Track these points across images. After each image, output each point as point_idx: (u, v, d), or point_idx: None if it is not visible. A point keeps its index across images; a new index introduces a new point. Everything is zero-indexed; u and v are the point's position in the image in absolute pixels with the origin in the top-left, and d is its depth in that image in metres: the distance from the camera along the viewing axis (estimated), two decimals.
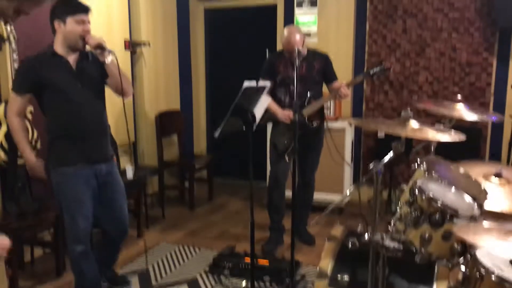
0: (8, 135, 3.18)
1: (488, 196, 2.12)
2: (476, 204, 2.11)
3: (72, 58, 2.81)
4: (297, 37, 3.65)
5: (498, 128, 4.75)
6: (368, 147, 5.33)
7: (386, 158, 2.19)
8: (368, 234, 2.16)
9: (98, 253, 3.18)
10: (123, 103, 2.86)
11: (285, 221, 4.05)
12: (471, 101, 4.75)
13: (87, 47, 2.79)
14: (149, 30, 5.12)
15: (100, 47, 2.72)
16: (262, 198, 4.87)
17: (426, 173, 2.26)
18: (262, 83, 2.68)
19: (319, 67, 3.85)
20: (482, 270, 1.81)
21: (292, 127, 3.19)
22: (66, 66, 2.79)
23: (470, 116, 2.60)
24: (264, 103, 2.72)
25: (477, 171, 2.38)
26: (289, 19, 5.36)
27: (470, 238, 1.66)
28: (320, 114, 3.92)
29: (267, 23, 5.62)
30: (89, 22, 2.78)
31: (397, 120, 2.28)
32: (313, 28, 5.27)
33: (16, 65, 3.29)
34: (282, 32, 3.82)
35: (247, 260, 3.55)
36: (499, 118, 2.77)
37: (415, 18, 4.97)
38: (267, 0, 5.62)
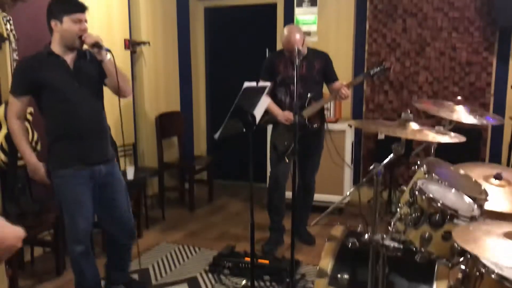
0: (8, 137, 3.17)
1: (488, 197, 2.13)
2: (476, 205, 2.11)
3: (69, 58, 2.79)
4: (297, 36, 3.64)
5: (498, 130, 4.75)
6: (368, 149, 5.33)
7: (386, 160, 2.19)
8: (368, 234, 2.16)
9: (108, 258, 3.17)
10: (119, 103, 2.82)
11: (285, 222, 4.05)
12: (471, 102, 4.75)
13: (84, 46, 2.77)
14: (149, 30, 5.12)
15: (97, 45, 2.71)
16: (262, 199, 4.87)
17: (426, 174, 2.27)
18: (262, 83, 2.68)
19: (319, 66, 3.85)
20: (482, 269, 1.82)
21: (292, 128, 3.18)
22: (63, 66, 2.76)
23: (469, 120, 2.60)
24: (264, 104, 2.72)
25: (477, 172, 2.39)
26: (289, 18, 5.36)
27: (471, 246, 1.67)
28: (320, 115, 3.92)
29: (267, 22, 5.63)
30: (86, 21, 2.75)
31: (397, 122, 2.28)
32: (313, 27, 5.27)
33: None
34: (282, 31, 3.82)
35: (247, 259, 3.56)
36: (499, 121, 2.77)
37: (415, 17, 4.97)
38: None
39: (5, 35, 3.42)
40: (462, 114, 2.63)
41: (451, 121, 2.64)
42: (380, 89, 5.21)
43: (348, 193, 3.74)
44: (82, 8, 2.74)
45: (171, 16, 5.54)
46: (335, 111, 4.99)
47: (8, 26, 3.41)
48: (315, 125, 3.87)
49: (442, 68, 4.94)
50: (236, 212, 5.18)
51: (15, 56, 3.38)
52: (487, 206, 2.14)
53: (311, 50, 3.87)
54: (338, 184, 4.86)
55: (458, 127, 2.55)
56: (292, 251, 3.20)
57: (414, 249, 2.10)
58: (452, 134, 2.29)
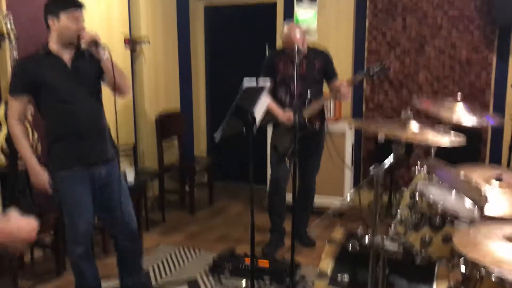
0: (9, 138, 3.17)
1: (488, 200, 2.12)
2: (476, 207, 2.11)
3: (67, 56, 2.76)
4: (298, 34, 3.63)
5: (498, 131, 4.73)
6: (368, 150, 5.32)
7: (387, 162, 2.18)
8: (368, 236, 2.15)
9: (117, 261, 3.14)
10: (115, 102, 2.76)
11: (286, 224, 4.04)
12: (471, 101, 4.73)
13: (82, 44, 2.72)
14: (149, 28, 5.10)
15: (95, 43, 2.68)
16: (262, 201, 4.87)
17: (427, 176, 2.26)
18: (262, 82, 2.66)
19: (319, 65, 3.84)
20: (482, 270, 1.81)
21: (293, 129, 3.17)
22: (61, 65, 2.74)
23: (469, 120, 2.59)
24: (264, 103, 2.71)
25: (477, 174, 2.38)
26: (289, 16, 5.34)
27: (471, 253, 1.67)
28: (320, 115, 3.91)
29: (267, 20, 5.61)
30: (83, 19, 2.73)
31: (397, 122, 2.27)
32: (313, 25, 5.26)
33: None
34: (282, 29, 3.80)
35: (247, 261, 3.55)
36: (498, 122, 2.76)
37: (415, 15, 4.95)
38: None
39: (5, 33, 3.42)
40: (462, 115, 2.62)
41: (451, 122, 2.63)
42: (380, 88, 5.20)
43: (348, 196, 3.73)
44: (79, 5, 2.71)
45: (171, 15, 5.53)
46: (335, 110, 4.98)
47: (8, 24, 3.40)
48: (316, 126, 3.87)
49: (442, 66, 4.93)
50: (236, 214, 5.17)
51: (15, 54, 3.37)
52: (487, 209, 2.13)
53: (311, 49, 3.86)
54: (338, 186, 4.85)
55: (458, 127, 2.54)
56: (292, 253, 3.19)
57: (414, 251, 2.10)
58: (452, 134, 2.28)
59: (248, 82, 2.51)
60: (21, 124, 2.78)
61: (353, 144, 4.96)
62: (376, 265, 2.18)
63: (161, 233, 4.59)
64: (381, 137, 4.79)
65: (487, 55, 4.76)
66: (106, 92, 2.96)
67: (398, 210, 2.23)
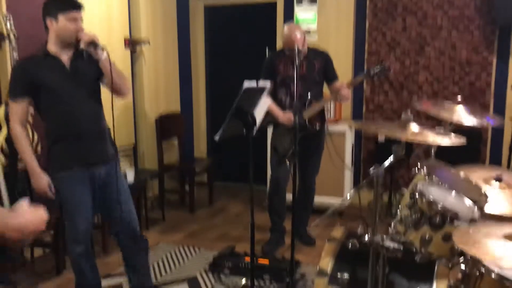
0: (9, 138, 3.17)
1: (488, 199, 2.13)
2: (476, 207, 2.11)
3: (65, 57, 2.75)
4: (298, 35, 3.63)
5: (498, 131, 4.74)
6: (368, 151, 5.33)
7: (387, 162, 2.19)
8: (368, 235, 2.16)
9: (123, 262, 3.12)
10: (112, 103, 2.76)
11: (286, 223, 4.05)
12: (471, 102, 4.74)
13: (81, 45, 2.71)
14: (149, 28, 5.11)
15: (93, 44, 2.67)
16: (262, 201, 4.87)
17: (427, 177, 2.27)
18: (262, 83, 2.66)
19: (319, 66, 3.84)
20: (482, 268, 1.82)
21: (293, 130, 3.18)
22: (59, 66, 2.73)
23: (469, 120, 2.60)
24: (264, 104, 2.71)
25: (477, 175, 2.38)
26: (289, 16, 5.35)
27: (471, 250, 1.67)
28: (320, 116, 3.91)
29: (267, 20, 5.62)
30: (81, 20, 2.72)
31: (397, 123, 2.28)
32: (313, 26, 5.26)
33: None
34: (282, 29, 3.81)
35: (247, 259, 3.56)
36: (498, 122, 2.77)
37: (415, 15, 4.96)
38: None
39: (5, 34, 3.42)
40: (462, 115, 2.63)
41: (451, 123, 2.64)
42: (380, 89, 5.20)
43: (348, 196, 3.74)
44: (78, 6, 2.70)
45: (171, 15, 5.53)
46: (335, 111, 4.98)
47: (8, 25, 3.40)
48: (316, 126, 3.87)
49: (442, 67, 4.94)
50: (236, 214, 5.18)
51: (15, 55, 3.37)
52: (488, 208, 2.14)
53: (311, 50, 3.86)
54: (338, 186, 4.85)
55: (458, 128, 2.55)
56: (292, 251, 3.20)
57: (414, 249, 2.10)
58: (452, 135, 2.29)
59: (248, 84, 2.51)
60: (23, 128, 2.76)
61: (353, 145, 4.97)
62: (376, 263, 2.19)
63: (161, 232, 4.59)
64: (381, 137, 4.80)
65: (487, 56, 4.77)
66: (105, 92, 2.95)
67: (398, 210, 2.24)
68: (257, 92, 2.64)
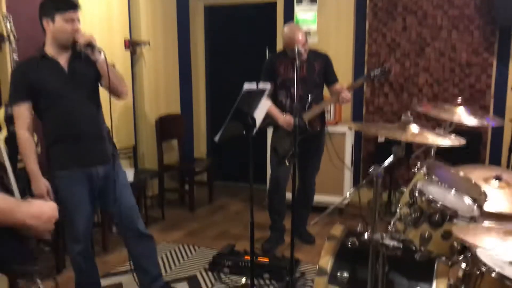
0: (8, 139, 3.16)
1: (487, 198, 2.13)
2: (475, 205, 2.12)
3: (63, 59, 2.74)
4: (299, 35, 3.63)
5: (498, 132, 4.75)
6: (368, 151, 5.33)
7: (386, 162, 2.20)
8: (367, 233, 2.16)
9: (135, 265, 3.09)
10: (110, 105, 2.75)
11: (286, 221, 4.06)
12: (471, 104, 4.74)
13: (78, 46, 2.70)
14: (149, 30, 5.11)
15: (90, 45, 2.66)
16: (262, 200, 4.88)
17: (426, 176, 2.27)
18: (262, 85, 2.66)
19: (319, 68, 3.84)
20: (482, 267, 1.82)
21: (293, 132, 3.18)
22: (57, 68, 2.72)
23: (469, 120, 2.61)
24: (264, 106, 2.71)
25: (477, 174, 2.39)
26: (289, 16, 5.36)
27: (470, 239, 1.68)
28: (321, 118, 3.92)
29: (267, 20, 5.63)
30: (78, 21, 2.70)
31: (397, 124, 2.29)
32: (313, 26, 5.27)
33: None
34: (282, 29, 3.81)
35: (247, 258, 3.57)
36: (498, 123, 2.78)
37: (415, 15, 4.97)
38: None
39: (5, 35, 3.42)
40: (462, 117, 2.63)
41: (451, 123, 2.64)
42: (380, 91, 5.20)
43: (348, 194, 3.74)
44: (74, 6, 2.68)
45: (171, 15, 5.53)
46: (335, 113, 4.97)
47: (8, 26, 3.40)
48: (316, 128, 3.87)
49: (442, 69, 4.94)
50: (236, 212, 5.18)
51: (15, 56, 3.36)
52: (487, 208, 2.14)
53: (311, 51, 3.85)
54: (338, 186, 4.86)
55: (458, 130, 2.56)
56: (292, 250, 3.20)
57: (414, 248, 2.11)
58: (452, 136, 2.30)
59: (248, 86, 2.52)
60: (30, 133, 2.74)
61: (353, 145, 4.98)
62: (375, 262, 2.19)
63: (160, 231, 4.60)
64: (381, 138, 4.81)
65: (487, 57, 4.77)
66: (104, 93, 2.93)
67: (398, 208, 2.24)
68: (257, 94, 2.64)
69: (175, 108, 5.67)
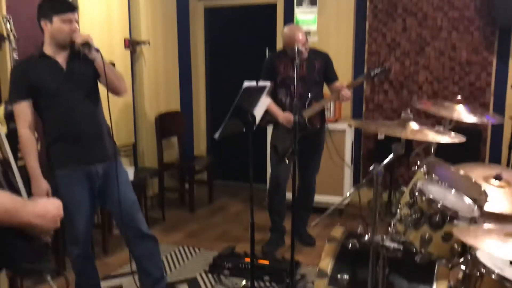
0: (8, 137, 3.15)
1: (488, 198, 2.12)
2: (476, 205, 2.11)
3: (62, 58, 2.75)
4: (299, 34, 3.64)
5: (498, 130, 4.75)
6: (368, 149, 5.33)
7: (386, 160, 2.19)
8: (368, 235, 2.16)
9: (137, 267, 3.07)
10: (108, 103, 2.71)
11: (286, 223, 4.05)
12: (471, 102, 4.74)
13: (75, 46, 2.70)
14: (149, 29, 5.11)
15: (87, 45, 2.66)
16: (262, 200, 4.87)
17: (426, 175, 2.27)
18: (262, 83, 2.66)
19: (319, 66, 3.84)
20: (482, 269, 1.82)
21: (293, 129, 3.18)
22: (56, 67, 2.73)
23: (469, 118, 2.60)
24: (264, 104, 2.71)
25: (477, 173, 2.38)
26: (289, 17, 5.35)
27: (471, 241, 1.67)
28: (320, 116, 3.92)
29: (267, 21, 5.62)
30: (76, 21, 2.71)
31: (397, 122, 2.28)
32: (313, 27, 5.26)
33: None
34: (282, 31, 3.81)
35: (247, 260, 3.56)
36: (498, 121, 2.77)
37: (415, 16, 4.96)
38: None
39: (5, 34, 3.41)
40: (462, 114, 2.62)
41: (451, 121, 2.64)
42: (380, 89, 5.20)
43: (348, 195, 3.73)
44: (72, 8, 2.70)
45: (171, 16, 5.53)
46: (335, 111, 4.98)
47: (8, 25, 3.40)
48: (316, 126, 3.87)
49: (442, 67, 4.94)
50: (236, 213, 5.18)
51: (15, 55, 3.37)
52: (487, 207, 2.14)
53: (311, 50, 3.86)
54: (338, 184, 4.85)
55: (458, 127, 2.55)
56: (292, 252, 3.20)
57: (414, 250, 2.10)
58: (452, 133, 2.29)
59: (248, 84, 2.51)
60: (31, 132, 2.74)
61: (353, 143, 4.97)
62: (376, 264, 2.18)
63: (161, 232, 4.58)
64: (381, 135, 4.80)
65: (487, 56, 4.77)
66: (103, 91, 2.90)
67: (398, 209, 2.23)
68: (257, 92, 2.64)
69: (175, 108, 5.67)
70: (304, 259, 3.78)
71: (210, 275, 3.64)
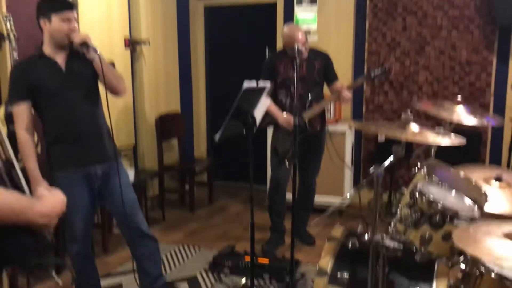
0: (8, 138, 3.15)
1: (488, 198, 2.13)
2: (476, 206, 2.11)
3: (61, 58, 2.74)
4: (299, 34, 3.63)
5: (498, 131, 4.75)
6: (368, 151, 5.33)
7: (387, 162, 2.19)
8: (368, 234, 2.16)
9: (137, 266, 3.06)
10: (107, 103, 2.71)
11: (286, 222, 4.05)
12: (471, 102, 4.74)
13: (73, 45, 2.69)
14: (149, 28, 5.11)
15: (85, 44, 2.65)
16: (262, 201, 4.88)
17: (427, 176, 2.27)
18: (262, 83, 2.66)
19: (319, 66, 3.84)
20: (482, 268, 1.82)
21: (293, 131, 3.18)
22: (55, 67, 2.72)
23: (469, 120, 2.60)
24: (264, 105, 2.71)
25: (477, 174, 2.39)
26: (289, 16, 5.35)
27: (471, 249, 1.68)
28: (321, 118, 3.92)
29: (267, 20, 5.63)
30: (75, 19, 2.70)
31: (398, 123, 2.28)
32: (313, 26, 5.27)
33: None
34: (282, 30, 3.81)
35: (247, 258, 3.57)
36: (498, 122, 2.77)
37: (415, 15, 4.96)
38: None
39: (5, 34, 3.41)
40: (462, 116, 2.63)
41: (451, 122, 2.64)
42: (380, 89, 5.20)
43: (348, 195, 3.74)
44: (70, 6, 2.69)
45: (171, 15, 5.53)
46: (335, 112, 4.97)
47: (8, 25, 3.40)
48: (316, 128, 3.87)
49: (442, 67, 4.94)
50: (236, 213, 5.18)
51: (15, 55, 3.36)
52: (488, 208, 2.14)
53: (311, 50, 3.85)
54: (338, 186, 4.85)
55: (458, 129, 2.55)
56: (292, 251, 3.20)
57: (414, 249, 2.11)
58: (452, 135, 2.29)
59: (248, 84, 2.51)
60: (29, 133, 2.73)
61: (353, 144, 4.97)
62: (376, 263, 2.19)
63: (161, 231, 4.59)
64: (381, 137, 4.81)
65: (487, 56, 4.77)
66: (103, 91, 2.91)
67: (398, 209, 2.24)
68: (257, 92, 2.64)
69: (175, 107, 5.67)
70: (304, 258, 3.79)
71: (210, 274, 3.65)
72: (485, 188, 2.26)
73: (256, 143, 2.64)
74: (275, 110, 3.80)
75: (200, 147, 6.22)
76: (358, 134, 5.22)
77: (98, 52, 2.70)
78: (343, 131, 4.81)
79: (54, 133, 2.79)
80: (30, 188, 2.92)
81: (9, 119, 3.24)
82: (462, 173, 2.35)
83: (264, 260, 3.55)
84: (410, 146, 4.27)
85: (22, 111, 2.71)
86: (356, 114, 5.33)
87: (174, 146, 5.55)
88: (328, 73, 3.88)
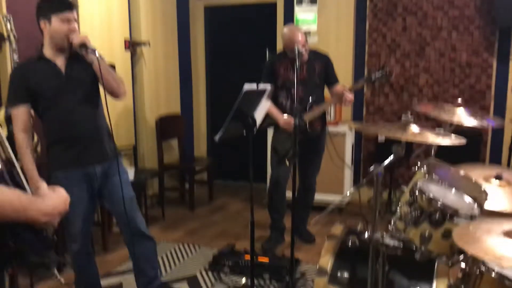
0: (8, 139, 3.15)
1: (488, 196, 2.13)
2: (476, 204, 2.12)
3: (61, 61, 2.74)
4: (299, 36, 3.63)
5: (498, 132, 4.76)
6: (368, 152, 5.33)
7: (387, 161, 2.20)
8: (368, 233, 2.17)
9: (135, 265, 3.07)
10: (106, 105, 2.71)
11: (286, 221, 4.06)
12: (472, 104, 4.74)
13: (72, 47, 2.69)
14: (149, 30, 5.11)
15: (84, 46, 2.64)
16: (262, 199, 4.88)
17: (427, 175, 2.27)
18: (262, 86, 2.66)
19: (320, 69, 3.84)
20: (482, 267, 1.83)
21: (293, 132, 3.17)
22: (54, 70, 2.72)
23: (469, 121, 2.61)
24: (264, 107, 2.71)
25: (477, 173, 2.39)
26: (289, 17, 5.36)
27: (471, 248, 1.68)
28: (321, 119, 3.91)
29: (267, 20, 5.63)
30: (75, 20, 2.70)
31: (398, 124, 2.29)
32: (313, 27, 5.27)
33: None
34: (282, 30, 3.81)
35: (247, 257, 3.57)
36: (498, 124, 2.78)
37: (415, 16, 4.97)
38: None
39: (5, 35, 3.41)
40: (462, 117, 2.63)
41: (451, 124, 2.64)
42: (381, 91, 5.21)
43: (348, 193, 3.74)
44: (70, 6, 2.68)
45: (171, 16, 5.54)
46: (335, 113, 4.98)
47: (8, 26, 3.40)
48: (317, 130, 3.87)
49: (442, 70, 4.94)
50: (236, 211, 5.19)
51: (15, 56, 3.36)
52: (487, 206, 2.14)
53: (312, 52, 3.85)
54: (338, 186, 4.86)
55: (459, 129, 2.55)
56: (292, 250, 3.20)
57: (414, 247, 2.11)
58: (453, 136, 2.30)
59: (249, 87, 2.51)
60: (27, 135, 2.72)
61: (353, 145, 4.98)
62: (375, 261, 2.19)
63: (160, 230, 4.60)
64: (381, 138, 4.81)
65: (487, 57, 4.77)
66: (103, 93, 2.93)
67: (398, 207, 2.24)
68: (258, 95, 2.64)
69: (175, 108, 5.68)
70: (304, 256, 3.79)
71: (210, 273, 3.65)
72: (485, 186, 2.26)
73: (256, 143, 2.64)
74: (276, 112, 3.80)
75: (200, 147, 6.23)
76: (358, 135, 5.23)
77: (98, 54, 2.69)
78: (344, 132, 4.81)
79: (53, 135, 2.79)
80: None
81: (10, 120, 3.24)
82: (462, 172, 2.36)
83: (264, 259, 3.55)
84: (410, 147, 4.28)
85: (21, 114, 2.70)
86: (357, 116, 5.34)
87: (174, 147, 5.55)
88: (328, 76, 3.88)
